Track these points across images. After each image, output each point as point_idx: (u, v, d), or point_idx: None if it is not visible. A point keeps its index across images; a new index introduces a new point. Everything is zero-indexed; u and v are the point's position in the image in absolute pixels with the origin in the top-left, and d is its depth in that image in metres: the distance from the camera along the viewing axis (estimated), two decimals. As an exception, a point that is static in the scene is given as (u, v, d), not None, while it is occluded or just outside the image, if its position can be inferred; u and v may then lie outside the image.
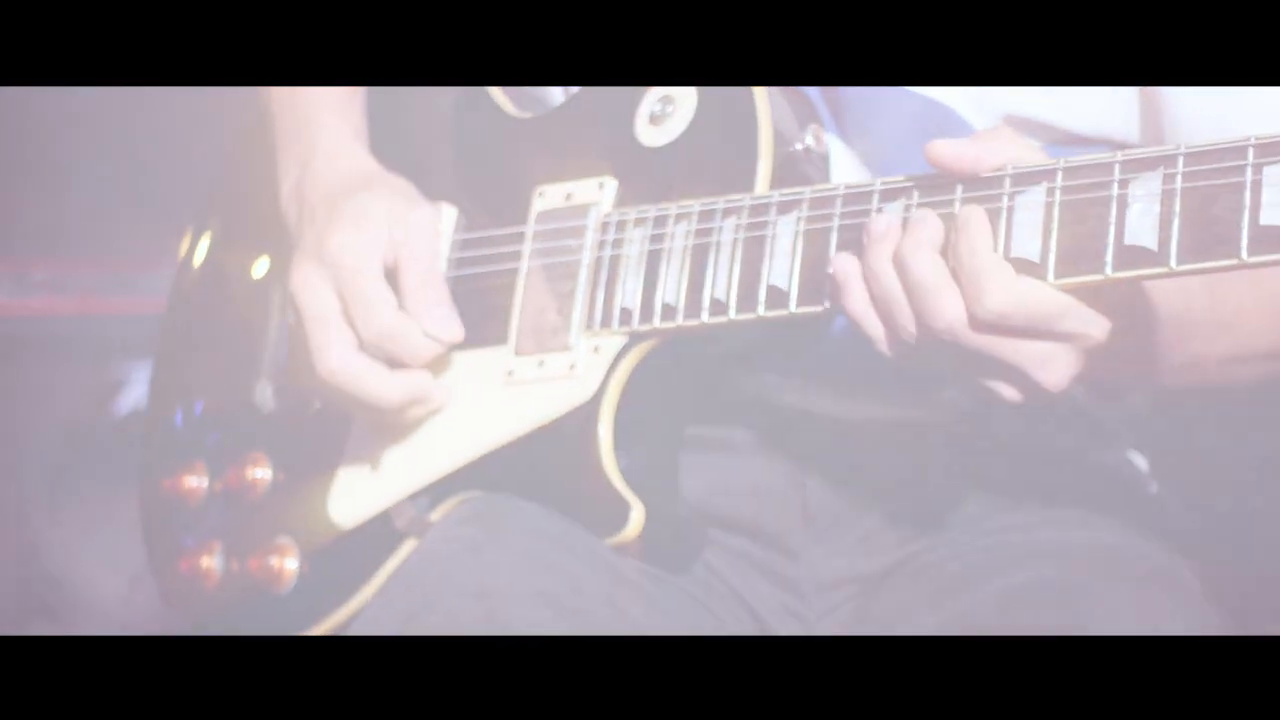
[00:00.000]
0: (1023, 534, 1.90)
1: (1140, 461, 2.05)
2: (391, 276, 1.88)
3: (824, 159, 1.84)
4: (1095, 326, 1.54)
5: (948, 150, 1.57)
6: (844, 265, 1.61)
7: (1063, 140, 1.86)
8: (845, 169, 1.91)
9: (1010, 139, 1.58)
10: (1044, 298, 1.51)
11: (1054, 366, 1.54)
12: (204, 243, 2.31)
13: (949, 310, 1.52)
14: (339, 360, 1.84)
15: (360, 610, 1.88)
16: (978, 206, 1.55)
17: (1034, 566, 1.82)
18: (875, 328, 1.58)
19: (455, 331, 1.88)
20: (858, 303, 1.59)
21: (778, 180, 1.79)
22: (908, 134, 1.88)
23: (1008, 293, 1.50)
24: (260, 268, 2.21)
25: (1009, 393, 1.57)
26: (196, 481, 2.13)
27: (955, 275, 1.53)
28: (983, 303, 1.50)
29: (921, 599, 1.86)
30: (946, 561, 1.90)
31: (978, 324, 1.52)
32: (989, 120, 1.85)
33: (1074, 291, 1.53)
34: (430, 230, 1.92)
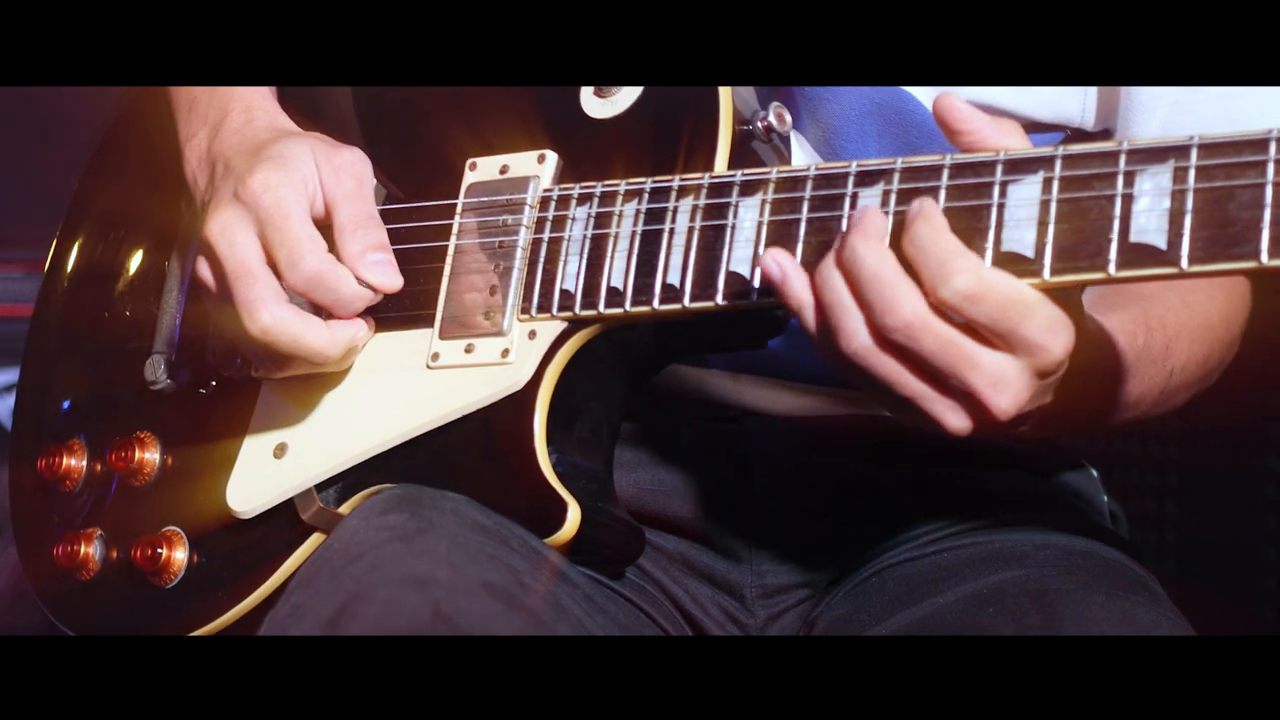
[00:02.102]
0: (986, 538, 1.81)
1: (1093, 472, 1.98)
2: (320, 222, 1.72)
3: (786, 141, 1.72)
4: (1058, 338, 1.40)
5: (961, 108, 1.45)
6: (780, 259, 1.48)
7: (1022, 127, 1.77)
8: (800, 157, 1.81)
9: (1019, 134, 1.47)
10: (1015, 287, 1.38)
11: (1006, 390, 1.39)
12: (77, 236, 2.12)
13: (906, 304, 1.38)
14: (271, 316, 1.67)
15: (260, 606, 1.74)
16: (929, 198, 1.43)
17: (1005, 570, 1.73)
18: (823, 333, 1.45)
19: (394, 279, 1.73)
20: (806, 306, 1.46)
21: (736, 161, 1.67)
22: (865, 120, 1.80)
23: (976, 274, 1.38)
24: (145, 247, 2.03)
25: (953, 421, 1.42)
26: (74, 461, 1.95)
27: (915, 264, 1.39)
28: (951, 283, 1.37)
29: (874, 606, 1.77)
30: (904, 566, 1.82)
31: (939, 313, 1.38)
32: None
33: (1056, 293, 1.40)
34: (362, 169, 1.76)
